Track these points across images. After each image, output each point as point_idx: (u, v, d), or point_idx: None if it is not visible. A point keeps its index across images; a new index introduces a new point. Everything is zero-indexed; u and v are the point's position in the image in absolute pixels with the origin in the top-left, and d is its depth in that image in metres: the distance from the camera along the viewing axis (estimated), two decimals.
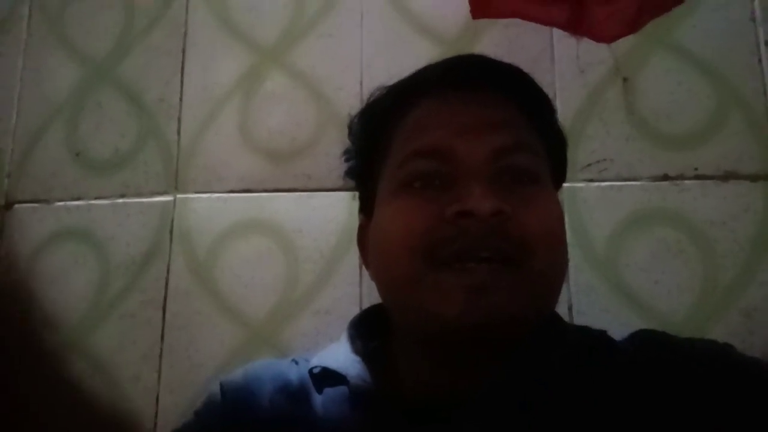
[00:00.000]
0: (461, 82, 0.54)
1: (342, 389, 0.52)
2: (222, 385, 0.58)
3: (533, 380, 0.48)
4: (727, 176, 0.77)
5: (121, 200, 0.89)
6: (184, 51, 0.92)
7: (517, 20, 0.83)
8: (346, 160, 0.63)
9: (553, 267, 0.50)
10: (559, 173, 0.59)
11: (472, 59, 0.58)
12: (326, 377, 0.54)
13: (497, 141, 0.51)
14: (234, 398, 0.56)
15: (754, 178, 0.77)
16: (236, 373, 0.59)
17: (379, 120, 0.58)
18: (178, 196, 0.87)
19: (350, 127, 0.63)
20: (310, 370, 0.55)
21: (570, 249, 0.76)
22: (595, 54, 0.82)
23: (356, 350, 0.56)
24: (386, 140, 0.56)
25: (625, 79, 0.81)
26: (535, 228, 0.49)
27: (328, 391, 0.53)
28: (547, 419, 0.47)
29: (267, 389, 0.55)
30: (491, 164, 0.50)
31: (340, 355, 0.55)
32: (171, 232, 0.86)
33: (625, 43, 0.81)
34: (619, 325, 0.72)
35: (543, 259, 0.48)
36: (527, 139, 0.53)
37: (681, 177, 0.78)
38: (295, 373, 0.56)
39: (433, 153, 0.51)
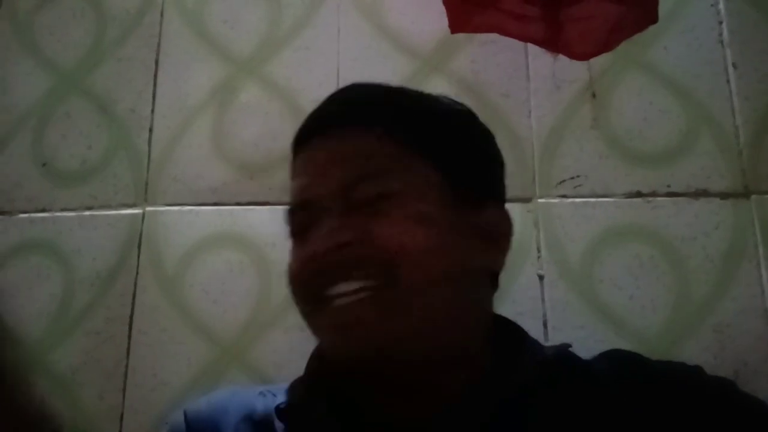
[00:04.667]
0: (323, 128, 0.55)
1: (308, 420, 0.51)
2: (186, 414, 0.56)
3: (495, 400, 0.47)
4: (698, 194, 0.79)
5: (88, 212, 0.86)
6: (157, 62, 0.91)
7: (493, 38, 0.84)
8: None
9: (423, 279, 0.48)
10: (465, 180, 0.54)
11: (335, 97, 0.58)
12: (293, 412, 0.52)
13: (339, 179, 0.51)
14: (198, 427, 0.54)
15: (724, 195, 0.78)
16: (200, 402, 0.57)
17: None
18: (148, 208, 0.85)
19: None
20: (277, 407, 0.53)
21: (544, 265, 0.77)
22: (569, 72, 0.83)
23: (323, 381, 0.54)
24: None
25: (594, 95, 0.82)
26: (389, 246, 0.48)
27: (294, 422, 0.52)
28: None
29: (231, 419, 0.54)
30: (337, 201, 0.51)
31: (305, 387, 0.55)
32: (139, 245, 0.83)
33: (598, 63, 0.83)
34: (594, 341, 0.73)
35: (409, 273, 0.47)
36: (375, 165, 0.52)
37: (653, 194, 0.79)
38: (261, 403, 0.55)
39: (297, 206, 0.54)
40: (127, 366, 0.79)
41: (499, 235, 0.55)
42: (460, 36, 0.85)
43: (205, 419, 0.54)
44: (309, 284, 0.50)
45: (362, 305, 0.47)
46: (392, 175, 0.51)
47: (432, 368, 0.49)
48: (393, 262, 0.47)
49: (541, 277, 0.77)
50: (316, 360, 0.58)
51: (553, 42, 0.75)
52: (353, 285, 0.47)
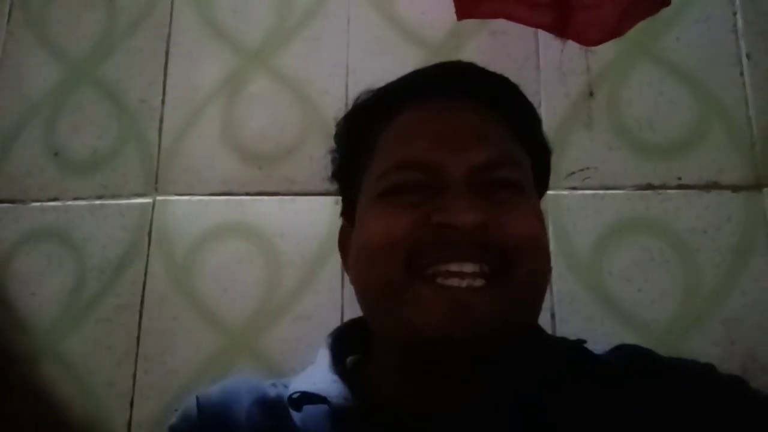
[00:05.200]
0: (447, 90, 0.54)
1: (322, 407, 0.51)
2: (198, 400, 0.56)
3: (518, 392, 0.48)
4: (709, 186, 0.78)
5: (98, 201, 0.87)
6: (167, 52, 0.91)
7: (503, 28, 0.83)
8: (332, 162, 0.62)
9: (537, 275, 0.50)
10: (541, 182, 0.58)
11: (459, 67, 0.57)
12: (306, 401, 0.52)
13: (481, 156, 0.50)
14: (210, 413, 0.54)
15: (735, 188, 0.77)
16: (212, 388, 0.57)
17: (364, 125, 0.57)
18: (158, 198, 0.86)
19: (336, 129, 0.62)
20: (290, 397, 0.53)
21: (553, 257, 0.77)
22: (579, 63, 0.82)
23: (335, 369, 0.55)
24: (370, 146, 0.55)
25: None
26: (519, 236, 0.48)
27: (308, 408, 0.52)
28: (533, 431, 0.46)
29: (244, 403, 0.54)
30: (473, 177, 0.50)
31: (317, 377, 0.54)
32: (149, 234, 0.84)
33: (609, 53, 0.82)
34: (602, 333, 0.73)
35: (527, 267, 0.48)
36: (511, 151, 0.53)
37: (664, 186, 0.79)
38: (273, 391, 0.55)
39: (416, 165, 0.51)
40: (137, 354, 0.80)
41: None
42: (470, 26, 0.84)
43: (217, 404, 0.55)
44: (421, 251, 0.48)
45: (481, 292, 0.46)
46: (521, 165, 0.53)
47: (488, 358, 0.49)
48: (516, 254, 0.48)
49: None
50: (339, 340, 0.58)
51: (562, 27, 0.74)
52: (470, 267, 0.47)
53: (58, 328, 0.82)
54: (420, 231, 0.48)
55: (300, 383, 0.54)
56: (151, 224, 0.85)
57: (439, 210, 0.48)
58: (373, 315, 0.53)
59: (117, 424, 0.77)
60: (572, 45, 0.79)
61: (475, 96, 0.54)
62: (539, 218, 0.52)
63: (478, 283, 0.47)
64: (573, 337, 0.55)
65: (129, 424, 0.77)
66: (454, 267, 0.47)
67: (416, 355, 0.49)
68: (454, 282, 0.47)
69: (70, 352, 0.81)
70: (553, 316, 0.75)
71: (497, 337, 0.47)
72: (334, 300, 0.79)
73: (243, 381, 0.59)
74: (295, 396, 0.52)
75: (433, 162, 0.50)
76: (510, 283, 0.47)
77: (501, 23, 0.82)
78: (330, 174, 0.62)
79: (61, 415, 0.79)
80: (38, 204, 0.88)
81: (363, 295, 0.53)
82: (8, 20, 0.96)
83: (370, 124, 0.56)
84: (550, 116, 0.82)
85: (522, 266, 0.48)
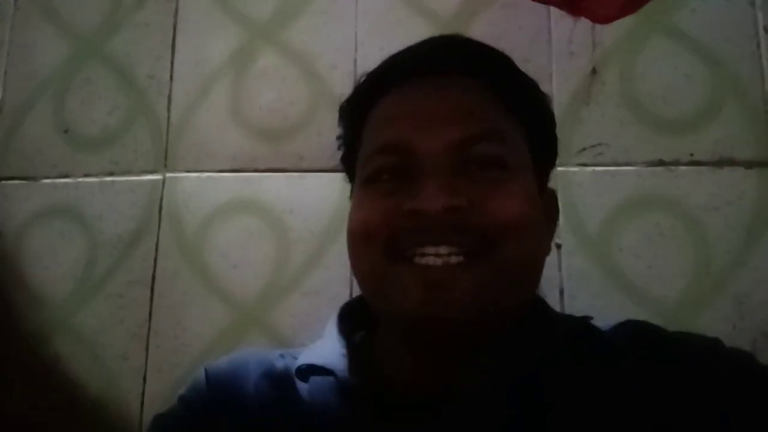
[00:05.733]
0: (428, 69, 0.53)
1: (329, 379, 0.52)
2: (207, 371, 0.57)
3: (516, 374, 0.48)
4: (722, 162, 0.77)
5: (109, 178, 0.87)
6: (175, 27, 0.91)
7: (514, 1, 0.82)
8: (339, 148, 0.62)
9: (522, 255, 0.49)
10: (544, 157, 0.56)
11: (443, 43, 0.56)
12: (313, 373, 0.53)
13: (457, 132, 0.49)
14: (219, 383, 0.56)
15: (749, 164, 0.76)
16: (221, 360, 0.59)
17: (354, 111, 0.58)
18: (168, 174, 0.86)
19: (339, 113, 0.62)
20: (298, 368, 0.54)
21: (563, 233, 0.77)
22: (591, 36, 0.81)
23: (343, 344, 0.55)
24: (359, 132, 0.56)
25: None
26: (499, 217, 0.47)
27: (315, 379, 0.53)
28: (534, 413, 0.46)
29: (252, 375, 0.55)
30: (450, 156, 0.49)
31: (326, 350, 0.55)
32: (160, 211, 0.85)
33: (622, 26, 0.80)
34: (611, 310, 0.73)
35: (509, 248, 0.47)
36: (493, 126, 0.51)
37: (676, 162, 0.78)
38: (281, 363, 0.56)
39: (394, 149, 0.51)
40: (149, 328, 0.81)
41: (555, 216, 0.57)
42: None
43: (226, 376, 0.56)
44: (398, 238, 0.48)
45: (458, 270, 0.46)
46: (506, 140, 0.51)
47: (485, 339, 0.49)
48: (497, 235, 0.47)
49: (558, 246, 0.77)
50: (348, 315, 0.59)
51: (575, 4, 0.73)
52: (445, 249, 0.47)
53: (71, 303, 0.84)
54: (394, 219, 0.48)
55: (308, 356, 0.55)
56: (161, 201, 0.85)
57: (412, 196, 0.48)
58: (367, 296, 0.55)
59: (131, 397, 0.79)
60: (585, 19, 0.77)
61: (461, 72, 0.53)
62: (526, 196, 0.50)
63: (454, 260, 0.47)
64: (581, 314, 0.55)
65: (142, 397, 0.79)
66: (429, 250, 0.47)
67: (408, 335, 0.50)
68: (430, 261, 0.47)
69: (83, 326, 0.83)
70: (561, 292, 0.75)
71: (483, 317, 0.47)
72: (343, 275, 0.79)
73: (251, 353, 0.60)
74: (303, 368, 0.54)
75: (409, 144, 0.50)
76: (493, 263, 0.47)
77: None
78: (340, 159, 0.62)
79: (76, 388, 0.80)
80: (49, 181, 0.89)
81: (355, 277, 0.54)
82: None
83: (358, 110, 0.57)
84: (561, 91, 0.81)
85: (504, 246, 0.47)
